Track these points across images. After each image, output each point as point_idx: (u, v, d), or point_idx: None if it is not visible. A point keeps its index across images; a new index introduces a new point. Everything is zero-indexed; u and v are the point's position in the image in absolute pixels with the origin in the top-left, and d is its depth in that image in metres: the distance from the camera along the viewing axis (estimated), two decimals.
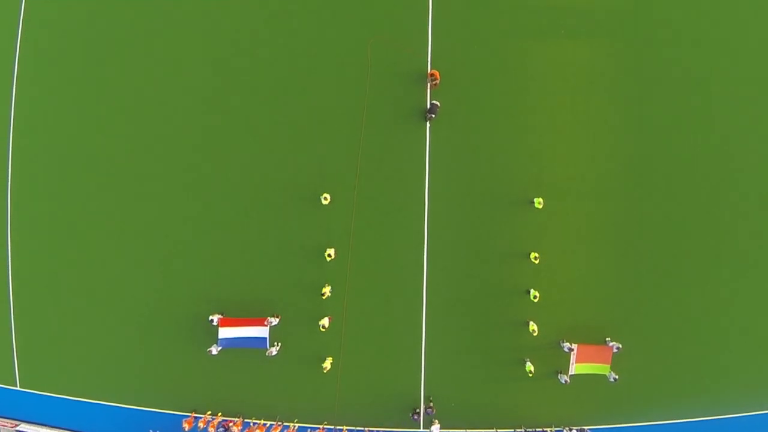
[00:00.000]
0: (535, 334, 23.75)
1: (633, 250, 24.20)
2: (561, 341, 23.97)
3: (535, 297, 23.80)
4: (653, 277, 24.24)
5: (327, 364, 24.34)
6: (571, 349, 23.48)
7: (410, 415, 24.59)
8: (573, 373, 23.64)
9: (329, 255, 24.19)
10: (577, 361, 23.50)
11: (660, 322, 24.32)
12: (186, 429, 24.55)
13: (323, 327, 24.16)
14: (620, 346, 23.58)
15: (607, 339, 23.88)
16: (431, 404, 24.42)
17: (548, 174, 24.12)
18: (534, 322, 23.86)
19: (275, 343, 24.56)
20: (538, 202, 23.77)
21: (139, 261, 25.33)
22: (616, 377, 23.58)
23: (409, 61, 24.13)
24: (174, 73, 24.96)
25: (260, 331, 24.05)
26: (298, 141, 24.61)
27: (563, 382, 23.88)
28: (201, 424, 24.57)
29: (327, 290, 24.18)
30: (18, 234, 25.94)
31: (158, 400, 25.72)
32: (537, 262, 23.87)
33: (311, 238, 24.62)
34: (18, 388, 26.32)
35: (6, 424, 25.95)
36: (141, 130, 25.10)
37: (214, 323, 24.33)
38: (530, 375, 23.75)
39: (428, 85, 24.08)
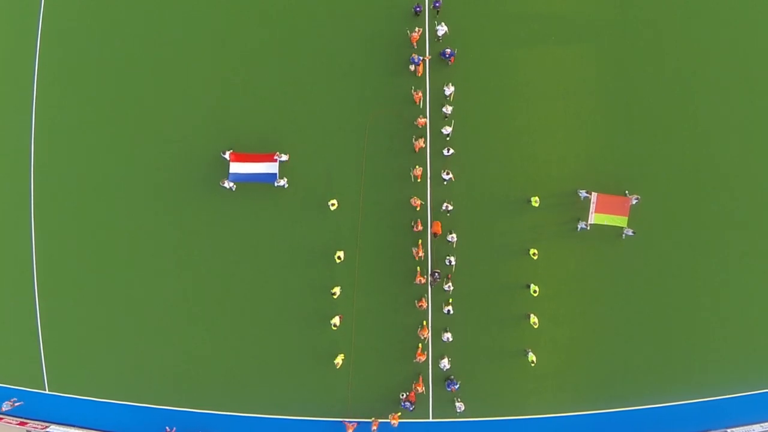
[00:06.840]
0: (536, 326, 24.73)
1: (626, 242, 25.21)
2: (579, 189, 24.61)
3: (535, 291, 24.77)
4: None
5: (339, 360, 25.45)
6: (588, 196, 23.94)
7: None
8: (592, 222, 23.95)
9: (339, 257, 25.36)
10: (596, 211, 23.68)
11: None
12: None
13: (335, 325, 25.23)
14: (639, 197, 24.20)
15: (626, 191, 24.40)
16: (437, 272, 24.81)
17: (543, 173, 25.36)
18: (534, 314, 24.89)
19: (284, 177, 25.25)
20: (535, 201, 24.96)
21: (160, 264, 26.55)
22: (634, 232, 24.21)
23: (408, 74, 25.41)
24: (194, 87, 26.39)
25: (270, 167, 24.49)
26: (307, 151, 25.87)
27: (582, 227, 24.56)
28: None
29: (337, 290, 25.34)
30: (42, 240, 26.95)
31: (177, 399, 26.81)
32: (536, 258, 24.93)
33: (321, 241, 25.87)
34: (46, 392, 27.52)
35: (36, 426, 27.09)
36: (158, 145, 26.45)
37: (226, 157, 24.90)
38: (533, 365, 24.75)
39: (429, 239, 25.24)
